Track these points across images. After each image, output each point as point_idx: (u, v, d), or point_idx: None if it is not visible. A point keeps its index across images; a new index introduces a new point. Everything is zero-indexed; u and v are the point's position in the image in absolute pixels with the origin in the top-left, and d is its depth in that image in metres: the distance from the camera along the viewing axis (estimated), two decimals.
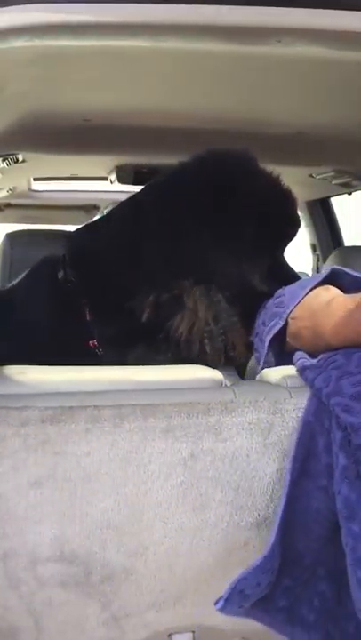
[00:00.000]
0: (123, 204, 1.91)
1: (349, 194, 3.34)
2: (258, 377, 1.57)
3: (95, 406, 1.31)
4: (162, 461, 1.36)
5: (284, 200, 1.81)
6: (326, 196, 3.70)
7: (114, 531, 1.41)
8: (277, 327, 1.59)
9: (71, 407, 1.30)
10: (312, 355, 1.45)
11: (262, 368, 1.61)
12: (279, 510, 1.35)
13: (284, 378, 1.46)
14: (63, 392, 1.35)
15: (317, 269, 3.82)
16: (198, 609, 1.58)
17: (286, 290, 1.65)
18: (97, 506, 1.38)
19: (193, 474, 1.39)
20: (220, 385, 1.44)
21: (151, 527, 1.43)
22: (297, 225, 1.85)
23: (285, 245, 1.85)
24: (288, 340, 1.60)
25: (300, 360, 1.44)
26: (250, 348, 1.69)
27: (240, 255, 1.72)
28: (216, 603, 1.38)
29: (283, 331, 1.60)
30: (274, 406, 1.37)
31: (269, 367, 1.58)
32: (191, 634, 1.64)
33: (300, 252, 4.00)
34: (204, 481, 1.40)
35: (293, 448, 1.35)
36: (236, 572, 1.53)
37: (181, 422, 1.33)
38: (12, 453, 1.30)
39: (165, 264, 1.69)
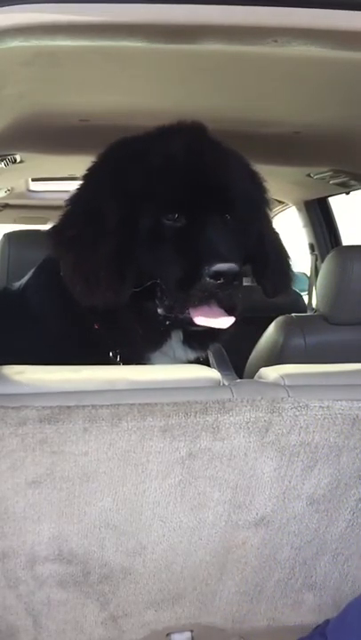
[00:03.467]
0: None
1: (347, 193, 3.34)
2: (256, 376, 1.57)
3: (93, 406, 1.31)
4: (160, 460, 1.36)
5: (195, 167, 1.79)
6: (324, 195, 3.70)
7: (112, 530, 1.42)
8: None
9: (69, 407, 1.30)
10: None
11: None
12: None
13: (282, 377, 1.46)
14: (61, 391, 1.35)
15: (316, 269, 3.81)
16: (197, 608, 1.58)
17: None
18: (95, 505, 1.38)
19: (191, 473, 1.39)
20: (217, 384, 1.45)
21: (149, 526, 1.43)
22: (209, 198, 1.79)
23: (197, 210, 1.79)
24: None
25: None
26: None
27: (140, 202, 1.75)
28: None
29: None
30: (272, 405, 1.37)
31: None
32: (190, 633, 1.64)
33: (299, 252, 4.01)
34: (202, 480, 1.40)
35: None
36: (235, 571, 1.54)
37: (179, 421, 1.33)
38: (9, 453, 1.30)
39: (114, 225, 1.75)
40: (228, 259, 1.68)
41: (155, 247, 1.77)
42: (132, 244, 1.76)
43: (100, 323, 1.84)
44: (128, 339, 1.83)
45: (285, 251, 2.09)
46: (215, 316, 1.74)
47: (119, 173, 1.79)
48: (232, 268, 1.66)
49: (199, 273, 1.68)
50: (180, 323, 1.78)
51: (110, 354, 1.85)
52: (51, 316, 1.90)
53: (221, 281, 1.66)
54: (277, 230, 2.12)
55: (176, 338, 1.88)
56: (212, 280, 1.66)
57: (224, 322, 1.74)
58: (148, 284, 1.77)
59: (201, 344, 1.93)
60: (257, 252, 1.95)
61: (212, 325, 1.74)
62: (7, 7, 1.23)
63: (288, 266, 2.07)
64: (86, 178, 1.90)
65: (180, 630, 1.63)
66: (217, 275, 1.66)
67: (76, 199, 1.88)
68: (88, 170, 1.90)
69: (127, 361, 1.81)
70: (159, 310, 1.79)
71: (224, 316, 1.75)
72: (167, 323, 1.79)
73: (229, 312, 1.80)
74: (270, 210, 2.11)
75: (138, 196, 1.76)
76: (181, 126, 1.84)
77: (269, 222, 2.08)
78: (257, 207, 1.95)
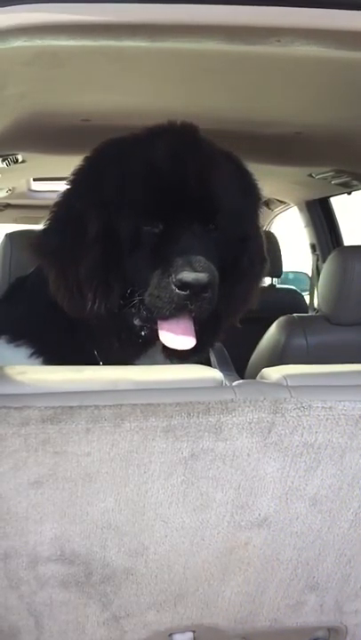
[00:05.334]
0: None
1: (349, 194, 3.34)
2: (258, 376, 1.57)
3: (95, 406, 1.31)
4: (162, 461, 1.36)
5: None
6: (326, 195, 3.70)
7: (114, 530, 1.41)
8: None
9: (71, 407, 1.30)
10: None
11: None
12: None
13: (285, 377, 1.46)
14: (63, 392, 1.35)
15: (317, 269, 3.82)
16: (199, 608, 1.58)
17: None
18: (97, 505, 1.38)
19: (193, 473, 1.38)
20: (220, 384, 1.44)
21: (152, 527, 1.43)
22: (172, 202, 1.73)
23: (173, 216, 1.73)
24: None
25: None
26: None
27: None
28: None
29: None
30: (274, 405, 1.37)
31: None
32: (191, 633, 1.64)
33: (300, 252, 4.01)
34: (204, 480, 1.40)
35: None
36: (237, 572, 1.54)
37: (182, 422, 1.33)
38: (12, 453, 1.30)
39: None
40: (198, 269, 1.61)
41: (133, 254, 1.74)
42: (116, 253, 1.73)
43: (81, 327, 1.83)
44: (107, 345, 1.82)
45: (264, 259, 1.99)
46: (180, 333, 1.69)
47: (100, 178, 1.76)
48: (200, 278, 1.60)
49: (166, 282, 1.63)
50: (155, 334, 1.73)
51: (95, 352, 1.85)
52: (41, 312, 1.90)
53: (188, 292, 1.61)
54: (262, 235, 2.03)
55: (159, 345, 1.79)
56: (178, 291, 1.61)
57: (185, 343, 1.69)
58: (128, 292, 1.75)
59: (181, 355, 1.78)
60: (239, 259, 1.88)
61: (172, 346, 1.69)
62: (10, 7, 1.23)
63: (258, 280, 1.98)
64: (71, 182, 1.85)
65: (183, 631, 1.63)
66: (183, 285, 1.61)
67: (61, 204, 1.85)
68: (73, 173, 1.85)
69: (110, 363, 1.79)
70: (135, 321, 1.76)
71: (189, 334, 1.70)
72: (143, 333, 1.76)
73: (207, 325, 1.76)
74: (261, 213, 2.03)
75: (117, 202, 1.72)
76: (170, 128, 1.79)
77: (257, 229, 2.00)
78: (244, 214, 1.87)
